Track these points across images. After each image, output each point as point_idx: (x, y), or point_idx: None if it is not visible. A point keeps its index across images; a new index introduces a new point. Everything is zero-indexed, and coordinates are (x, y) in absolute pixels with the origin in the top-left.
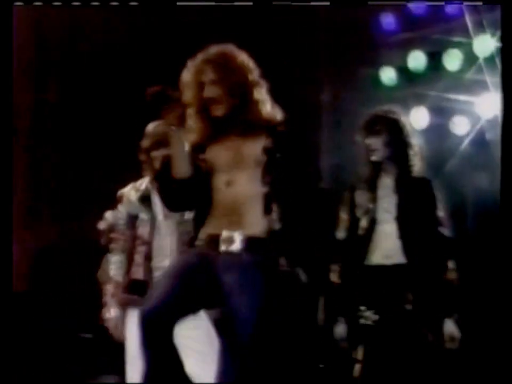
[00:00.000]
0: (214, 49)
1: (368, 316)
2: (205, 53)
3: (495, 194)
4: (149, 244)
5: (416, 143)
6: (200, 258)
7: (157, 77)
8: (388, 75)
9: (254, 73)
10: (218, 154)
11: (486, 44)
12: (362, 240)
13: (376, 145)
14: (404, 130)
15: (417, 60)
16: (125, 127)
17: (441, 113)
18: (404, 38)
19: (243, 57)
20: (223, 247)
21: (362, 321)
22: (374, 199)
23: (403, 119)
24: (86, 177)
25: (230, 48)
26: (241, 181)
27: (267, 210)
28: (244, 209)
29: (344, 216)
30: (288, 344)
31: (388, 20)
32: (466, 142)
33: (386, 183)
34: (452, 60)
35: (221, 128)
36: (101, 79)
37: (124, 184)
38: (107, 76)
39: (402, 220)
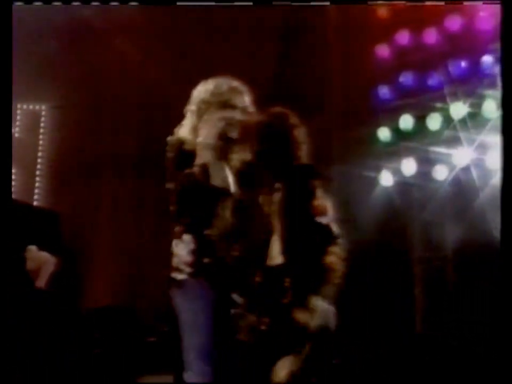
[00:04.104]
0: None
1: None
2: None
3: (470, 223)
4: None
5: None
6: None
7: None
8: (384, 134)
9: None
10: None
11: (459, 109)
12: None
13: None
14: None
15: (406, 121)
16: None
17: (426, 163)
18: (396, 105)
19: None
20: None
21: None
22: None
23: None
24: None
25: None
26: None
27: None
28: None
29: None
30: None
31: (384, 91)
32: (445, 185)
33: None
34: (434, 122)
35: None
36: None
37: None
38: None
39: (280, 217)
